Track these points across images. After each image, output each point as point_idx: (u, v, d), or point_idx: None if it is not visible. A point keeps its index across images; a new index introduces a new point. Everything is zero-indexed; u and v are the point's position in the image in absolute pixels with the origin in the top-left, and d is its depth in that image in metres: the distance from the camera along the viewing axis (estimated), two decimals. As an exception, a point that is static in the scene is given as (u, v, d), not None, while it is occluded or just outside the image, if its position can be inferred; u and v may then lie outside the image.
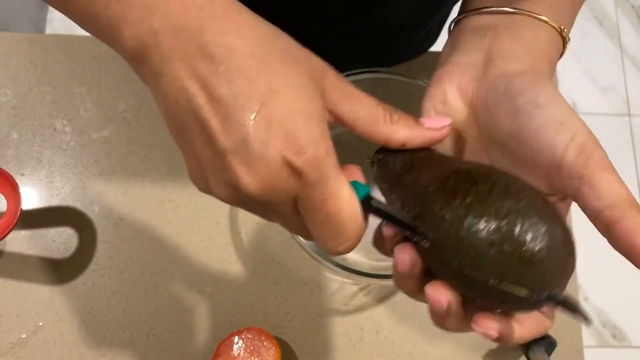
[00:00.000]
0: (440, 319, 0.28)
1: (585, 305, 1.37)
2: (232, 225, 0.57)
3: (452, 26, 0.37)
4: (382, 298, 0.56)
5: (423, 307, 0.57)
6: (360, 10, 0.51)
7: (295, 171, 0.26)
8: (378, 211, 0.29)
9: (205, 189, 0.30)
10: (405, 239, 0.29)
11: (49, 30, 1.43)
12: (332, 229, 0.28)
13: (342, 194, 0.27)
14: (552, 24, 0.33)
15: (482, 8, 0.35)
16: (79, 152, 0.57)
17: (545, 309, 0.29)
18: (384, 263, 0.56)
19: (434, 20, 0.61)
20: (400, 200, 0.30)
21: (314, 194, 0.27)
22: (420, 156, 0.31)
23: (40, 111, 0.58)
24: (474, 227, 0.25)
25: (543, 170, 0.28)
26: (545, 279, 0.25)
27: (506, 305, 0.26)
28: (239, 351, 0.50)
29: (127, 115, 0.58)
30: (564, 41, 0.34)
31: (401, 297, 0.56)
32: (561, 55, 0.35)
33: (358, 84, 0.56)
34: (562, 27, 0.34)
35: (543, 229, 0.25)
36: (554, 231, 0.25)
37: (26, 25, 1.42)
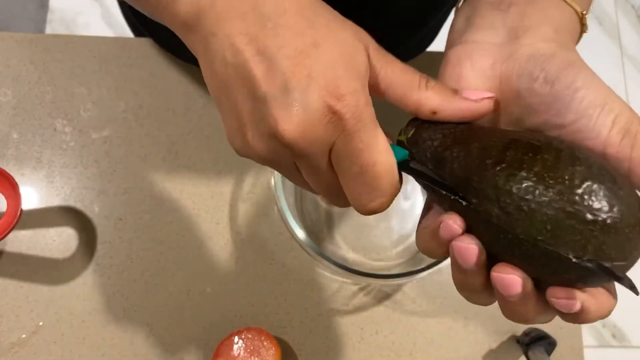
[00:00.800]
0: (516, 306, 0.25)
1: (585, 305, 1.37)
2: (232, 225, 0.57)
3: (462, 2, 0.34)
4: (382, 298, 0.56)
5: (422, 307, 0.57)
6: (360, 9, 0.51)
7: (335, 116, 0.26)
8: (419, 174, 0.28)
9: (244, 146, 0.28)
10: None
11: (49, 30, 1.43)
12: (367, 182, 0.27)
13: (379, 146, 0.27)
14: (576, 7, 0.31)
15: None
16: (79, 152, 0.57)
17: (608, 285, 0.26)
18: (384, 263, 0.57)
19: (434, 19, 0.61)
20: (448, 180, 0.27)
21: (352, 142, 0.26)
22: (460, 129, 0.28)
23: (40, 111, 0.58)
24: (548, 197, 0.23)
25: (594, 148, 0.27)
26: (628, 247, 0.23)
27: (588, 279, 0.23)
28: (239, 351, 0.50)
29: (127, 115, 0.58)
30: (582, 29, 0.32)
31: (401, 297, 0.56)
32: (578, 41, 0.33)
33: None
34: (584, 12, 0.31)
35: (621, 193, 0.23)
36: (630, 196, 0.23)
37: (26, 25, 1.42)
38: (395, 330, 0.55)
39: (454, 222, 0.26)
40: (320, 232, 0.57)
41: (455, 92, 0.28)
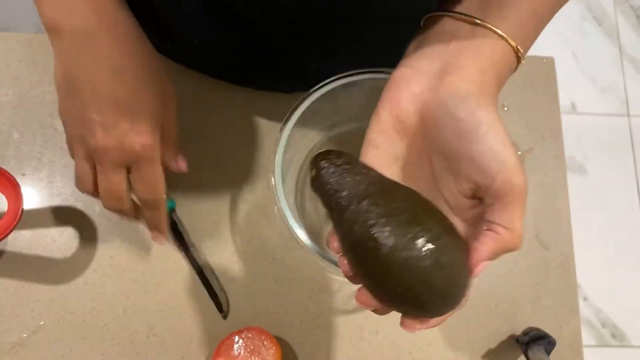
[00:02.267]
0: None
1: (584, 305, 1.37)
2: (232, 225, 0.57)
3: (423, 22, 0.39)
4: (382, 298, 0.56)
5: (423, 306, 0.57)
6: (360, 7, 0.51)
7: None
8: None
9: (71, 130, 0.43)
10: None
11: (49, 30, 1.43)
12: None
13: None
14: (511, 42, 0.35)
15: (452, 11, 0.36)
16: (80, 152, 0.57)
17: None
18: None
19: None
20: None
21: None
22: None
23: (41, 111, 0.58)
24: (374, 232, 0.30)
25: (473, 185, 0.32)
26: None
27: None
28: (239, 351, 0.50)
29: (127, 115, 0.58)
30: (519, 60, 0.37)
31: (401, 297, 0.56)
32: (514, 70, 0.38)
33: (359, 85, 0.56)
34: (518, 47, 0.35)
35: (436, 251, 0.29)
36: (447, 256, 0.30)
37: (27, 26, 1.42)
38: (395, 330, 0.55)
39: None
40: (320, 232, 0.57)
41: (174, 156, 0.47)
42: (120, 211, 0.45)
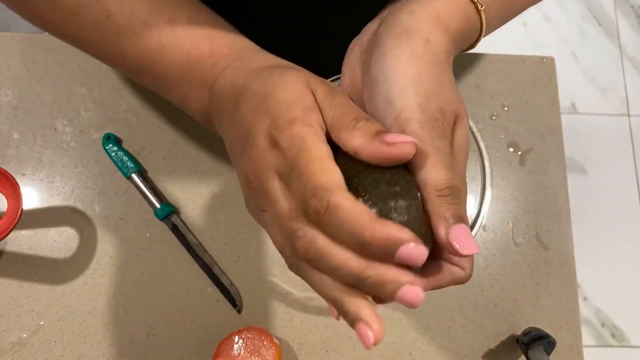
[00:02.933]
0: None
1: (584, 305, 1.37)
2: (232, 225, 0.57)
3: None
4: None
5: (422, 307, 0.57)
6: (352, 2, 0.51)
7: (276, 143, 0.30)
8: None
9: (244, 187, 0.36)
10: None
11: (49, 30, 1.43)
12: (309, 184, 0.30)
13: (316, 153, 0.30)
14: None
15: None
16: (80, 152, 0.57)
17: None
18: (383, 263, 0.57)
19: None
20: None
21: (292, 162, 0.29)
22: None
23: (41, 111, 0.58)
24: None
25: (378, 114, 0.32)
26: None
27: None
28: (239, 350, 0.50)
29: (127, 115, 0.59)
30: (482, 23, 0.36)
31: (401, 297, 0.56)
32: (481, 29, 0.36)
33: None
34: (480, 3, 0.35)
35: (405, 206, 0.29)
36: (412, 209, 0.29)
37: (27, 26, 1.42)
38: (395, 330, 0.55)
39: None
40: (320, 232, 0.57)
41: (378, 134, 0.29)
42: None
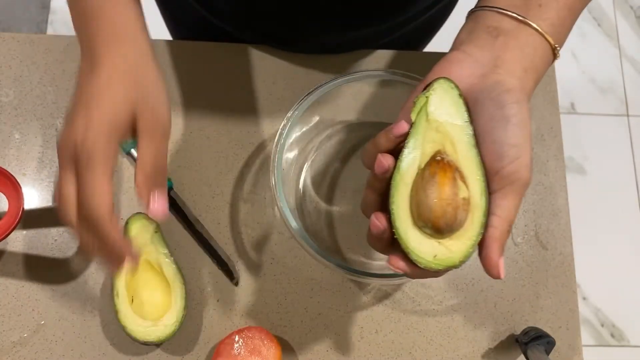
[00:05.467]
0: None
1: (584, 304, 1.37)
2: (232, 225, 0.57)
3: (469, 15, 0.42)
4: (382, 297, 0.56)
5: (423, 306, 0.57)
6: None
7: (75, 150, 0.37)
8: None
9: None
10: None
11: (50, 31, 1.43)
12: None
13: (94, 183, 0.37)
14: (550, 40, 0.39)
15: (497, 8, 0.39)
16: (80, 152, 0.57)
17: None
18: (384, 263, 0.57)
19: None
20: None
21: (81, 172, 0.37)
22: None
23: (41, 111, 0.59)
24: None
25: (487, 163, 0.36)
26: None
27: None
28: (239, 350, 0.50)
29: (128, 115, 0.59)
30: (555, 56, 0.40)
31: (401, 297, 0.56)
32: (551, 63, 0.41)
33: (362, 83, 0.56)
34: (556, 45, 0.39)
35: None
36: None
37: (27, 26, 1.42)
38: (395, 330, 0.55)
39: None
40: (320, 232, 0.57)
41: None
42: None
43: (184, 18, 0.71)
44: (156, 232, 0.53)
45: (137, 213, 0.54)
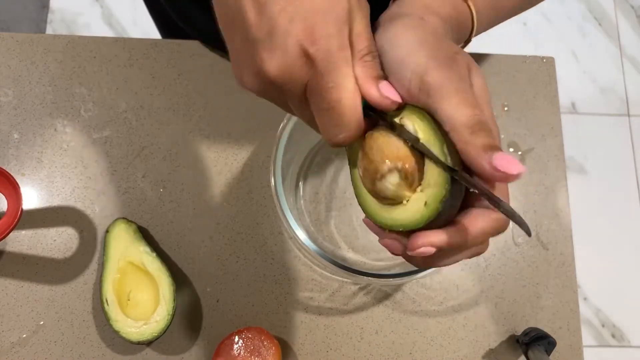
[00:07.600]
0: None
1: (584, 305, 1.37)
2: (232, 225, 0.57)
3: None
4: (382, 298, 0.56)
5: (423, 307, 0.57)
6: None
7: (308, 58, 0.29)
8: (378, 114, 0.33)
9: (241, 81, 0.33)
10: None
11: (49, 30, 1.43)
12: (333, 117, 0.31)
13: (346, 86, 0.30)
14: (470, 4, 0.36)
15: None
16: (80, 152, 0.57)
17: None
18: (384, 263, 0.57)
19: None
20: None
21: (321, 82, 0.30)
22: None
23: (41, 111, 0.58)
24: None
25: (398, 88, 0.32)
26: None
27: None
28: (239, 350, 0.50)
29: (127, 115, 0.59)
30: (473, 25, 0.37)
31: (401, 297, 0.56)
32: (472, 17, 0.38)
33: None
34: (474, 13, 0.37)
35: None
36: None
37: (27, 26, 1.42)
38: (395, 330, 0.55)
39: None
40: (320, 232, 0.57)
41: (375, 79, 0.31)
42: None
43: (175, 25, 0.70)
44: (135, 232, 0.53)
45: (118, 219, 0.54)
